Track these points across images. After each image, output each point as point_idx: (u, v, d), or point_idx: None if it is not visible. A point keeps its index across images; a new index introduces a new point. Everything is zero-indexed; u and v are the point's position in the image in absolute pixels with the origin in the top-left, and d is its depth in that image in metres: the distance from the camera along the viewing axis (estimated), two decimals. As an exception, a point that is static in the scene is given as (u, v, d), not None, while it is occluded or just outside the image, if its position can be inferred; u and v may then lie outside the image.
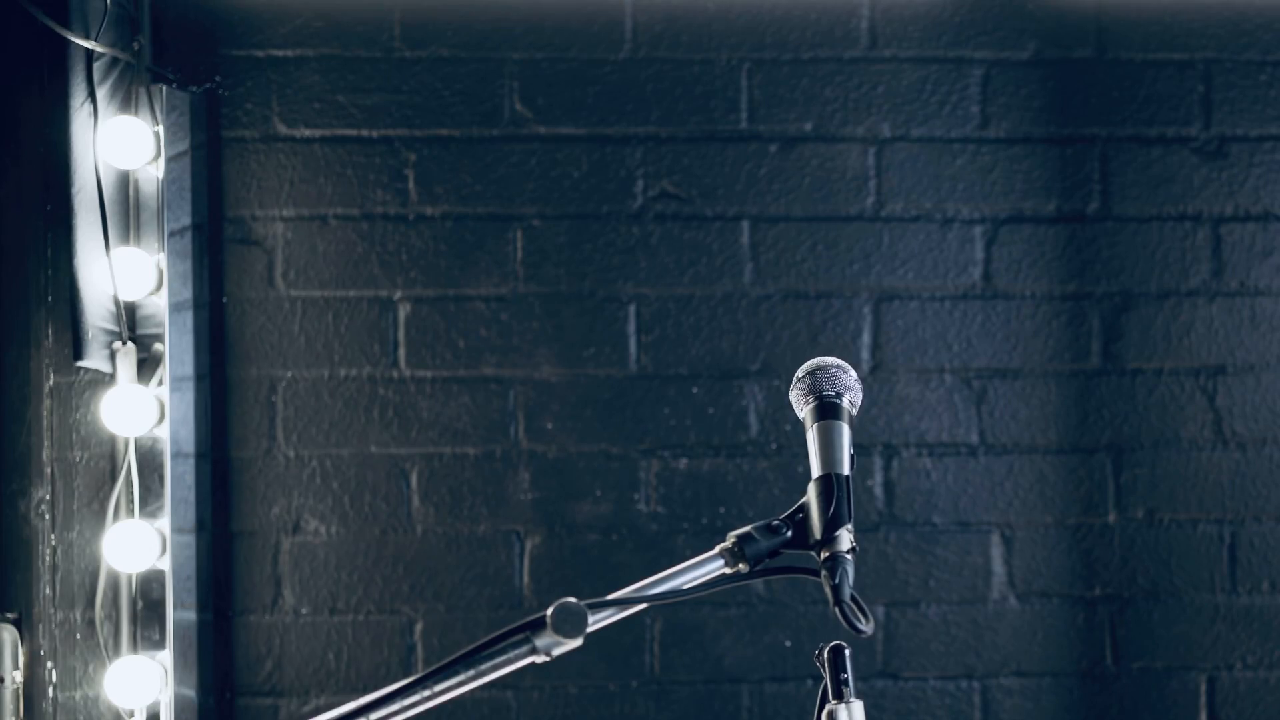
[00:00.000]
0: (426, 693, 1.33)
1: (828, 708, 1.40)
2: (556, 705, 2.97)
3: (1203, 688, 3.05)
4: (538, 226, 3.00)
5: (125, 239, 2.89)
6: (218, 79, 2.96)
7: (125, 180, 2.89)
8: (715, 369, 2.99)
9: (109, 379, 2.88)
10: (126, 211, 2.90)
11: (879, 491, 3.02)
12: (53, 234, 2.88)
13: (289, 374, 2.97)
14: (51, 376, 2.92)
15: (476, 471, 2.98)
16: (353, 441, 2.96)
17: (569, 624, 1.33)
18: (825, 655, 1.41)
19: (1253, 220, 3.08)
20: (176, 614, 2.82)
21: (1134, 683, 3.05)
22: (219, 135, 2.96)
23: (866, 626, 1.38)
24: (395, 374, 2.98)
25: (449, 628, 2.96)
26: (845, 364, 1.55)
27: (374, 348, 2.98)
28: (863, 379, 1.50)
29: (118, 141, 2.85)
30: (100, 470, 2.92)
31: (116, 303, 2.86)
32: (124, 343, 2.87)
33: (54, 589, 2.91)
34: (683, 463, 2.99)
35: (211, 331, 2.95)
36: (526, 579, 2.98)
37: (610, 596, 1.39)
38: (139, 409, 2.84)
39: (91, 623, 2.89)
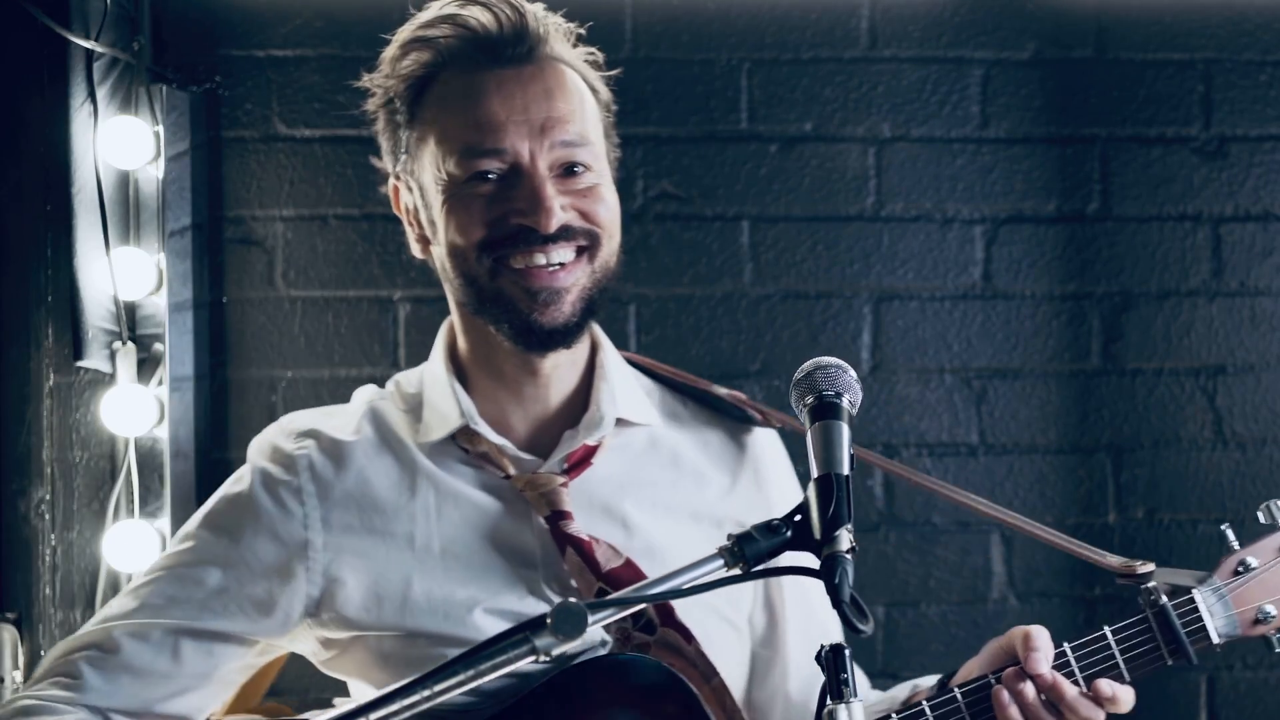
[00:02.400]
0: (426, 693, 1.33)
1: (828, 708, 1.40)
2: (556, 705, 2.97)
3: (1203, 688, 3.05)
4: (538, 226, 3.00)
5: (125, 239, 2.89)
6: (218, 79, 2.96)
7: (125, 180, 2.89)
8: (715, 369, 2.99)
9: (109, 379, 2.88)
10: (126, 211, 2.90)
11: (879, 491, 3.02)
12: (53, 234, 2.88)
13: (289, 374, 2.97)
14: (51, 376, 2.92)
15: (476, 471, 2.97)
16: (353, 441, 2.96)
17: (569, 624, 1.33)
18: (825, 655, 1.41)
19: (1253, 220, 3.08)
20: (176, 614, 2.82)
21: (1134, 683, 3.04)
22: (219, 135, 2.96)
23: (867, 627, 1.38)
24: (395, 374, 2.98)
25: (449, 628, 2.96)
26: (845, 364, 1.56)
27: (374, 348, 2.98)
28: (863, 379, 1.50)
29: (118, 141, 2.85)
30: (100, 470, 2.92)
31: (116, 303, 2.86)
32: (124, 343, 2.87)
33: (54, 589, 2.91)
34: (683, 463, 2.99)
35: (211, 331, 2.95)
36: (526, 579, 2.97)
37: (610, 596, 1.39)
38: (139, 409, 2.84)
39: (91, 623, 2.89)
